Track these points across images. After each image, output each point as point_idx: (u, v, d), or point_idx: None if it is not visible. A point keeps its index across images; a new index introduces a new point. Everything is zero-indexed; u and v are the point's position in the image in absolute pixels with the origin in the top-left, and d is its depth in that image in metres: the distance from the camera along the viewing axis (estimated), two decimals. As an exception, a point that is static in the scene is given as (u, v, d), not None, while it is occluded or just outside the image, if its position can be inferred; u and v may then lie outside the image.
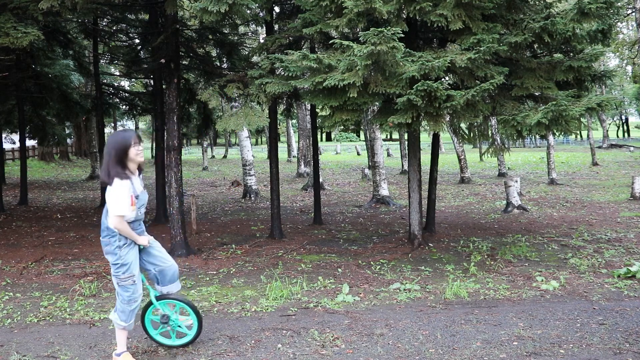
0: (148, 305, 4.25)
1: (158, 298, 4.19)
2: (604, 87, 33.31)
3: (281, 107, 11.19)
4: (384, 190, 14.13)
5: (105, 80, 18.17)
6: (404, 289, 5.89)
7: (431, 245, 8.27)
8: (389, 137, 62.52)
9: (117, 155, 3.79)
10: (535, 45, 7.55)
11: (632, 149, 36.46)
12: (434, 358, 4.04)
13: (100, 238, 3.96)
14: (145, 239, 4.01)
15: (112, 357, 4.08)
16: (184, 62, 11.58)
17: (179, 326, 4.27)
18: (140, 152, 3.89)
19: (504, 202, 12.74)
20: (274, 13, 9.57)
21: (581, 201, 13.62)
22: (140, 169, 4.05)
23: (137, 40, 13.51)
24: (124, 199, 3.76)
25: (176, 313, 4.30)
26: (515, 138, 7.40)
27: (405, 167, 23.31)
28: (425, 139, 34.67)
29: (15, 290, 6.07)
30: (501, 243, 8.48)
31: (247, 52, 10.04)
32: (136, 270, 3.95)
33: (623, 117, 63.48)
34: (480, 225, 10.41)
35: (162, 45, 8.16)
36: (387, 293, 5.82)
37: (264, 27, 10.10)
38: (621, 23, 26.68)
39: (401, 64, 6.33)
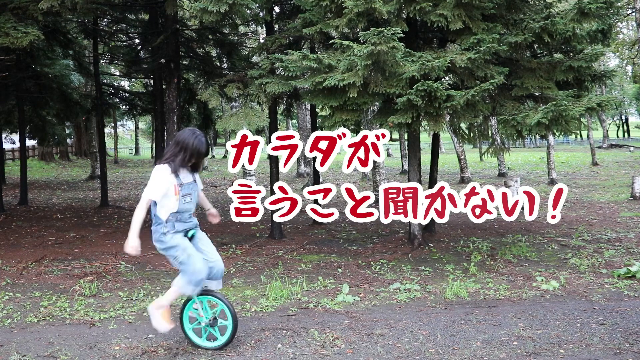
0: (188, 300, 4.25)
1: (199, 293, 4.18)
2: (604, 87, 33.31)
3: (281, 107, 11.19)
4: (384, 190, 14.10)
5: (105, 80, 18.17)
6: (404, 289, 5.89)
7: (431, 245, 8.27)
8: (389, 137, 62.43)
9: (187, 152, 3.97)
10: (535, 45, 7.55)
11: (632, 149, 36.46)
12: (434, 358, 4.04)
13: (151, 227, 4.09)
14: (127, 246, 3.95)
15: (152, 304, 4.14)
16: (184, 62, 11.59)
17: (213, 330, 4.26)
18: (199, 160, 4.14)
19: (504, 202, 12.73)
20: (274, 13, 9.57)
21: (581, 201, 13.61)
22: (197, 165, 4.19)
23: (137, 40, 13.51)
24: (155, 184, 3.93)
25: (218, 317, 4.28)
26: (515, 138, 7.41)
27: (405, 167, 23.31)
28: (425, 139, 34.68)
29: (15, 290, 6.07)
30: (501, 243, 8.48)
31: (247, 52, 10.04)
32: (188, 245, 4.05)
33: (623, 117, 63.47)
34: (480, 225, 10.41)
35: (162, 45, 8.17)
36: (387, 293, 5.82)
37: (264, 27, 10.09)
38: (621, 23, 26.67)
39: (401, 64, 6.34)
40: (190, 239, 4.15)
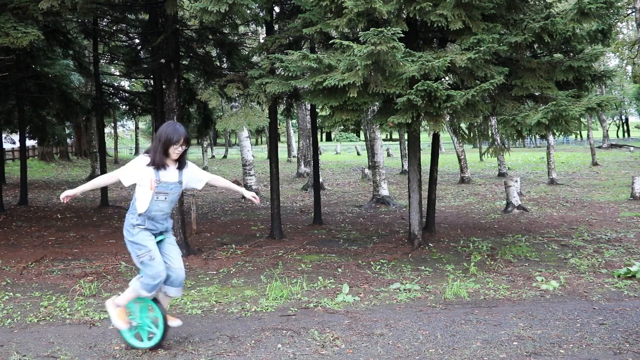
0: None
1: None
2: (604, 87, 33.32)
3: (281, 107, 11.20)
4: (384, 190, 14.13)
5: (105, 80, 18.15)
6: (404, 289, 5.89)
7: (431, 245, 8.27)
8: (389, 137, 62.50)
9: (160, 143, 3.98)
10: (535, 45, 7.55)
11: (632, 149, 36.47)
12: (434, 358, 4.04)
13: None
14: (64, 193, 4.02)
15: (109, 301, 4.16)
16: (184, 62, 11.57)
17: (149, 326, 4.23)
18: (179, 152, 4.03)
19: (504, 202, 12.74)
20: (274, 13, 9.57)
21: (581, 201, 13.62)
22: (181, 162, 4.11)
23: (137, 40, 13.50)
24: (128, 168, 4.00)
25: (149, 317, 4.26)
26: (515, 138, 7.41)
27: (405, 167, 23.31)
28: (425, 139, 34.69)
29: (15, 290, 6.07)
30: (501, 243, 8.48)
31: (247, 52, 10.03)
32: (153, 247, 4.01)
33: (623, 117, 63.49)
34: (480, 225, 10.41)
35: (162, 45, 8.16)
36: (387, 293, 5.81)
37: (264, 27, 10.09)
38: (621, 23, 26.68)
39: (401, 64, 6.33)
40: (159, 242, 4.12)
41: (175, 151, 3.99)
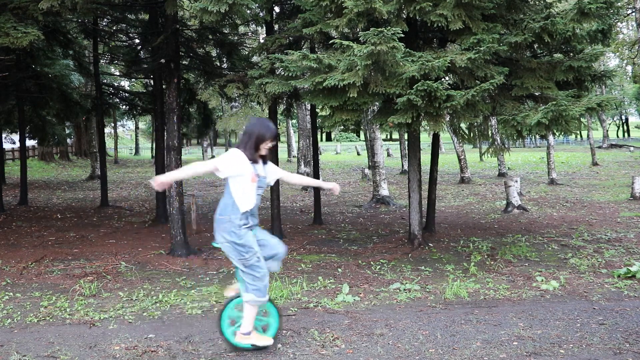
0: (232, 299, 4.18)
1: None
2: (604, 87, 33.34)
3: (281, 107, 11.20)
4: (384, 190, 14.13)
5: (105, 80, 18.16)
6: (404, 289, 5.89)
7: (431, 245, 8.27)
8: (389, 137, 62.51)
9: (252, 139, 3.97)
10: (535, 45, 7.55)
11: (632, 149, 36.48)
12: (434, 358, 4.04)
13: (217, 216, 3.99)
14: (156, 179, 3.87)
15: (237, 336, 4.07)
16: (184, 62, 11.58)
17: (255, 328, 4.19)
18: (268, 147, 4.06)
19: (504, 202, 12.74)
20: (274, 13, 9.57)
21: (581, 201, 13.61)
22: (264, 158, 4.14)
23: (137, 40, 13.51)
24: (226, 159, 3.92)
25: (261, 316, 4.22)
26: (515, 138, 7.41)
27: (405, 167, 23.30)
28: (425, 139, 34.68)
29: (15, 290, 6.07)
30: (501, 243, 8.48)
31: (247, 52, 10.04)
32: (258, 248, 4.00)
33: (623, 117, 63.51)
34: (480, 225, 10.41)
35: (162, 45, 8.16)
36: (387, 293, 5.82)
37: (264, 27, 10.09)
38: (621, 23, 26.68)
39: (401, 64, 6.34)
40: None
41: (265, 147, 4.02)
